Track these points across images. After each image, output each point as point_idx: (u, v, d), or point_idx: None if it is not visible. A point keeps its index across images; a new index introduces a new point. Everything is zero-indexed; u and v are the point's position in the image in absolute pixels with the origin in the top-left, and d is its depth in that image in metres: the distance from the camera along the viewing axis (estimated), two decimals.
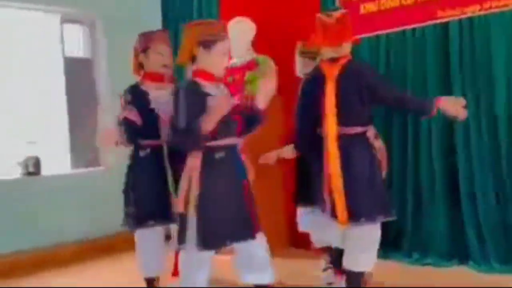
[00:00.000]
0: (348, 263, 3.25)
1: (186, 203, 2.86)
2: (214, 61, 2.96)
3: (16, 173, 5.23)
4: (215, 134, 2.86)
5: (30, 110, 5.44)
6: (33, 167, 5.26)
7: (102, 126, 5.63)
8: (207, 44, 2.91)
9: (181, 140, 2.86)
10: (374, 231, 3.19)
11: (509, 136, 3.94)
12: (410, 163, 4.43)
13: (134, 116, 3.42)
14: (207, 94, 2.88)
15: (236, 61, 4.82)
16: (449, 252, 4.20)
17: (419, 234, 4.39)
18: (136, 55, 3.56)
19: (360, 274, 3.26)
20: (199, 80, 2.93)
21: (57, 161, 5.63)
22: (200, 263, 2.95)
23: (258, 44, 4.84)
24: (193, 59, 2.97)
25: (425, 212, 4.36)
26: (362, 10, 4.55)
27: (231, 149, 2.98)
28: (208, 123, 2.77)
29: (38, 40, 5.52)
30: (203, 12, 5.73)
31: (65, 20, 5.69)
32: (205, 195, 2.84)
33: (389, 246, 4.19)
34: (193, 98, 2.83)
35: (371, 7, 4.49)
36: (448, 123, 4.03)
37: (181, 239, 2.93)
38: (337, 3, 4.68)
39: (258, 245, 3.04)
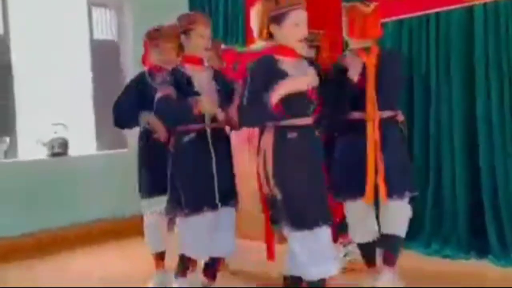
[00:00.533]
0: (388, 227, 3.32)
1: (267, 183, 2.82)
2: (286, 34, 2.80)
3: (43, 153, 5.35)
4: (289, 112, 2.76)
5: (57, 92, 5.54)
6: (59, 148, 5.37)
7: None
8: (277, 19, 2.78)
9: (250, 115, 2.74)
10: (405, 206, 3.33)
11: None
12: (432, 156, 4.35)
13: (173, 94, 3.21)
14: (281, 70, 2.77)
15: (257, 46, 4.77)
16: (469, 244, 4.10)
17: (438, 225, 4.31)
18: (178, 37, 3.38)
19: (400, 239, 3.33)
20: (277, 56, 2.82)
21: (83, 143, 5.74)
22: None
23: None
24: (270, 35, 2.84)
25: (446, 203, 4.28)
26: None
27: (306, 130, 2.83)
28: (276, 95, 2.66)
29: (66, 22, 5.60)
30: None
31: (92, 3, 5.73)
32: (282, 175, 2.76)
33: (408, 235, 4.09)
34: (266, 72, 2.74)
35: None
36: (469, 115, 3.91)
37: (277, 219, 2.89)
38: None
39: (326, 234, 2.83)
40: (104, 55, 5.86)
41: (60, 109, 5.57)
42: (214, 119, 3.20)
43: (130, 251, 4.91)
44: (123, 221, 5.50)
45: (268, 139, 2.79)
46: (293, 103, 2.73)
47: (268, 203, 2.94)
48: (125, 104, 3.79)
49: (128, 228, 5.24)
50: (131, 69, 5.83)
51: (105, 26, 5.90)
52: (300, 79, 2.75)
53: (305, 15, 2.81)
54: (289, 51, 2.81)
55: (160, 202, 3.51)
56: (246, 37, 5.42)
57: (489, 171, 4.02)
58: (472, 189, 4.13)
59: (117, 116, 3.81)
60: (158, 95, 3.15)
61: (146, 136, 3.78)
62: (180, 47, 3.35)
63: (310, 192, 2.77)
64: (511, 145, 3.92)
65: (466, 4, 4.03)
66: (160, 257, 3.86)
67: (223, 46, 5.08)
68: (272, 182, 2.77)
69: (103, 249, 5.05)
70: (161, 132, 3.58)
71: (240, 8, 5.53)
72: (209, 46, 3.34)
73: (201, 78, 3.26)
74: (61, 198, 5.25)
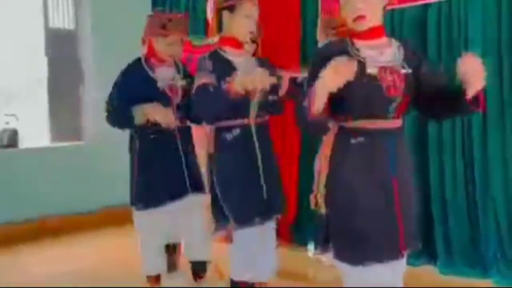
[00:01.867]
0: None
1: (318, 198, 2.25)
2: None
3: None
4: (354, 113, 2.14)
5: (9, 81, 5.37)
6: (9, 140, 5.20)
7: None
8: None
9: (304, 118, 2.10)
10: None
11: None
12: None
13: (213, 83, 2.75)
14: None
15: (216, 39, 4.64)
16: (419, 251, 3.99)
17: None
18: (219, 13, 2.96)
19: None
20: (354, 39, 2.20)
21: (36, 135, 5.58)
22: None
23: None
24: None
25: None
26: None
27: (379, 134, 2.15)
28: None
29: (20, 10, 5.42)
30: None
31: None
32: (337, 191, 2.17)
33: None
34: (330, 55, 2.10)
35: None
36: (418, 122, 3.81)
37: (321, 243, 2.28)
38: None
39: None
40: (60, 44, 5.68)
41: (13, 100, 5.40)
42: (259, 113, 2.80)
43: (76, 248, 4.82)
44: (76, 217, 5.35)
45: (326, 145, 2.22)
46: (361, 99, 2.12)
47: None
48: (123, 100, 3.28)
49: (77, 225, 5.16)
50: (89, 59, 5.73)
51: (62, 14, 5.71)
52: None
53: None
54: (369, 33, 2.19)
55: (158, 215, 3.30)
56: (206, 31, 5.28)
57: (439, 180, 3.92)
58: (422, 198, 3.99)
59: (116, 114, 3.36)
60: (196, 84, 2.72)
61: (142, 135, 3.35)
62: (218, 27, 2.99)
63: (368, 214, 2.13)
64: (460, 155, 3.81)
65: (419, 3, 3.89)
66: (156, 279, 3.50)
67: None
68: (322, 198, 2.22)
69: (49, 246, 4.90)
70: (163, 116, 3.17)
71: (200, 3, 5.39)
72: (254, 29, 2.84)
73: (245, 65, 2.79)
74: (10, 193, 5.04)
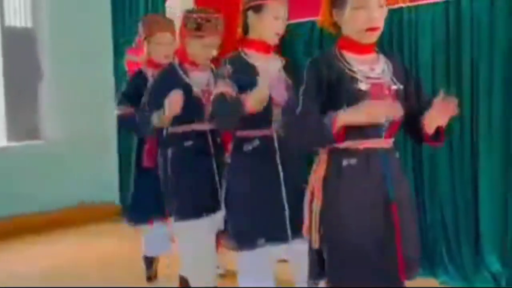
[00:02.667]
0: None
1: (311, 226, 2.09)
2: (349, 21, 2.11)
3: None
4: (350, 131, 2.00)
5: None
6: None
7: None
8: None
9: (300, 132, 2.01)
10: None
11: None
12: None
13: (232, 92, 2.53)
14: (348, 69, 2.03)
15: None
16: None
17: None
18: (244, 14, 2.67)
19: None
20: (344, 51, 2.08)
21: None
22: None
23: None
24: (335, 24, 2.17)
25: None
26: None
27: (371, 155, 2.04)
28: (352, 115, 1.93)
29: None
30: None
31: None
32: (330, 218, 2.03)
33: None
34: (321, 71, 2.01)
35: None
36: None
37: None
38: None
39: None
40: (17, 42, 5.60)
41: None
42: None
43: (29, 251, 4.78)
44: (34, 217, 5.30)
45: (320, 167, 2.08)
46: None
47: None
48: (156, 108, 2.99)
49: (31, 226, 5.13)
50: (47, 57, 5.67)
51: (19, 13, 5.63)
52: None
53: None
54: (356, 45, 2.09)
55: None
56: None
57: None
58: None
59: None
60: (213, 92, 2.54)
61: (170, 143, 3.09)
62: (244, 29, 2.67)
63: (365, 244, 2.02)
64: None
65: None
66: None
67: (138, 39, 4.96)
68: (315, 227, 2.07)
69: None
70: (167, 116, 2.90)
71: (161, 1, 5.38)
72: (282, 31, 2.62)
73: (268, 69, 2.55)
74: None
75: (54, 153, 5.55)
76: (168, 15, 4.90)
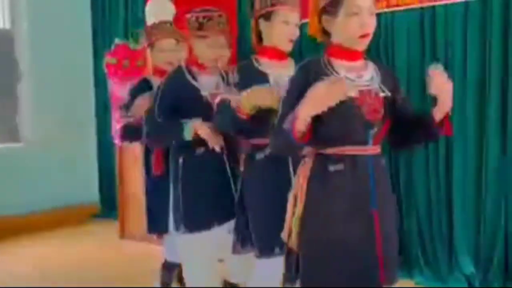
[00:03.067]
0: None
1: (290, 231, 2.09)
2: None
3: None
4: (334, 137, 2.02)
5: None
6: None
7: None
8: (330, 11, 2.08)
9: (278, 141, 2.03)
10: None
11: None
12: None
13: (236, 101, 2.49)
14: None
15: None
16: None
17: None
18: (256, 22, 2.60)
19: None
20: (333, 58, 2.08)
21: None
22: None
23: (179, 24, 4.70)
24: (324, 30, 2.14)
25: None
26: None
27: (358, 161, 2.03)
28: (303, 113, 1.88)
29: None
30: None
31: None
32: (314, 224, 2.02)
33: None
34: (307, 78, 2.00)
35: None
36: None
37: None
38: None
39: None
40: None
41: None
42: None
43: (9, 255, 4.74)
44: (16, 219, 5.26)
45: (303, 172, 2.08)
46: (340, 122, 1.99)
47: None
48: (166, 115, 2.86)
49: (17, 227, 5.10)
50: (26, 58, 5.64)
51: None
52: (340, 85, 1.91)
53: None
54: (346, 52, 2.09)
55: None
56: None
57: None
58: None
59: (160, 132, 2.90)
60: (216, 100, 2.52)
61: (181, 150, 2.93)
62: (259, 35, 2.60)
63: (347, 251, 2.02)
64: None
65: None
66: None
67: (117, 41, 4.97)
68: (295, 231, 2.07)
69: None
70: (213, 140, 2.73)
71: (140, 4, 5.37)
72: (295, 37, 2.54)
73: (281, 77, 2.46)
74: None
75: (33, 155, 5.52)
76: (147, 18, 4.91)
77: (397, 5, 3.82)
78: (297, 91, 1.97)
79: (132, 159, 4.59)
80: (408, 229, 3.88)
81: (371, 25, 2.00)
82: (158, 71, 3.24)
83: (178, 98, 2.81)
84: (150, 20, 4.77)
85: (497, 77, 3.49)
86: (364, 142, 2.02)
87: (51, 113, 5.64)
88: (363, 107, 1.98)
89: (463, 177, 3.67)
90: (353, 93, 1.95)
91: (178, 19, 3.51)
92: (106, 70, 4.85)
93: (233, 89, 2.47)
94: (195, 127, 2.71)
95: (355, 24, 1.97)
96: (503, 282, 3.49)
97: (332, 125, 1.96)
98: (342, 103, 1.91)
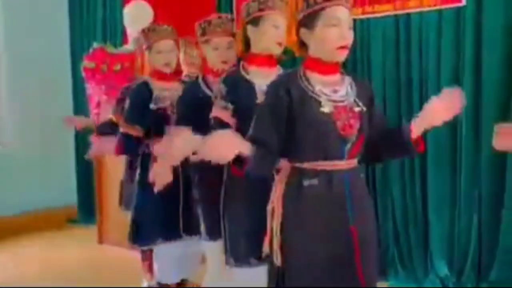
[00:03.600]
0: None
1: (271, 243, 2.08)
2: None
3: None
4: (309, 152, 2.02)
5: None
6: None
7: None
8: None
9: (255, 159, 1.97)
10: None
11: None
12: None
13: (227, 117, 2.44)
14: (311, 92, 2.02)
15: (130, 46, 4.66)
16: None
17: None
18: (243, 29, 2.55)
19: None
20: (309, 71, 2.08)
21: None
22: None
23: None
24: (301, 43, 2.12)
25: None
26: None
27: (333, 176, 2.03)
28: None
29: None
30: None
31: None
32: (289, 237, 2.02)
33: None
34: (280, 95, 2.01)
35: None
36: None
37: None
38: None
39: None
40: None
41: None
42: None
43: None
44: None
45: (278, 188, 2.07)
46: (317, 138, 2.00)
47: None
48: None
49: None
50: (3, 63, 5.62)
51: None
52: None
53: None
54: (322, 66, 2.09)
55: None
56: (124, 38, 5.26)
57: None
58: None
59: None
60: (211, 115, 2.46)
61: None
62: (244, 44, 2.55)
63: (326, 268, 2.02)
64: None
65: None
66: None
67: (95, 45, 4.95)
68: (276, 244, 2.05)
69: None
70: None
71: (118, 8, 5.36)
72: (284, 41, 2.45)
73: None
74: None
75: (11, 158, 5.49)
76: (125, 22, 4.92)
77: (373, 12, 3.88)
78: (271, 110, 2.00)
79: (111, 164, 4.59)
80: (385, 232, 3.94)
81: (349, 37, 2.01)
82: (156, 73, 3.19)
83: (194, 114, 2.69)
84: (129, 25, 4.83)
85: (470, 84, 3.55)
86: (339, 157, 2.01)
87: (29, 116, 5.62)
88: (338, 122, 1.99)
89: (437, 183, 3.73)
90: (327, 109, 1.97)
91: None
92: (83, 74, 4.84)
93: (222, 102, 2.42)
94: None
95: (334, 35, 1.97)
96: (476, 284, 3.56)
97: (307, 140, 1.98)
98: (316, 118, 1.95)
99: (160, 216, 3.07)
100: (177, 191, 3.04)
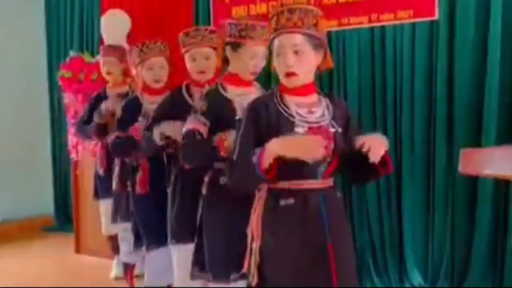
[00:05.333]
0: None
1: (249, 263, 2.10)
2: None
3: None
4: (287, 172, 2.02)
5: None
6: None
7: None
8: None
9: (239, 174, 2.04)
10: None
11: None
12: None
13: (204, 131, 2.51)
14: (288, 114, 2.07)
15: None
16: None
17: None
18: (224, 47, 2.60)
19: None
20: (285, 93, 2.12)
21: None
22: None
23: (134, 38, 4.70)
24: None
25: None
26: None
27: (308, 195, 2.07)
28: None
29: None
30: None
31: None
32: (268, 257, 2.04)
33: None
34: (258, 115, 2.07)
35: None
36: None
37: None
38: None
39: None
40: None
41: None
42: None
43: None
44: None
45: (257, 207, 2.10)
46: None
47: None
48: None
49: None
50: None
51: None
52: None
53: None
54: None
55: None
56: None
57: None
58: None
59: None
60: (185, 127, 2.51)
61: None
62: (225, 61, 2.62)
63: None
64: None
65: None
66: None
67: (72, 54, 4.94)
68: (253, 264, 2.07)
69: None
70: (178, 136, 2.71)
71: (95, 17, 5.35)
72: (258, 69, 2.56)
73: (247, 100, 2.35)
74: None
75: None
76: (102, 31, 4.91)
77: (348, 24, 3.94)
78: (252, 130, 2.03)
79: (88, 171, 4.56)
80: (360, 241, 3.97)
81: (295, 64, 2.02)
82: (147, 88, 3.30)
83: (172, 113, 2.83)
84: (106, 34, 4.82)
85: (443, 95, 3.63)
86: (314, 177, 2.05)
87: (4, 124, 5.59)
88: (311, 136, 2.00)
89: (412, 196, 3.79)
90: (301, 130, 2.00)
91: None
92: (60, 83, 4.81)
93: (199, 116, 2.47)
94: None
95: (279, 64, 2.05)
96: None
97: (282, 160, 1.97)
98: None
99: (154, 223, 3.16)
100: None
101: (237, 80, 2.56)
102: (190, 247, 2.66)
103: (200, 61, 2.94)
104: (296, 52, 2.02)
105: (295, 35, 2.02)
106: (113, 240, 4.00)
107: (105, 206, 3.98)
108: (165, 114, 2.86)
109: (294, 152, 1.91)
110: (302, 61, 2.03)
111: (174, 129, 2.74)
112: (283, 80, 2.08)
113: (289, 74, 2.04)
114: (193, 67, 2.96)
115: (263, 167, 1.92)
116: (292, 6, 2.05)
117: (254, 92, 2.55)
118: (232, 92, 2.53)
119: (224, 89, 2.54)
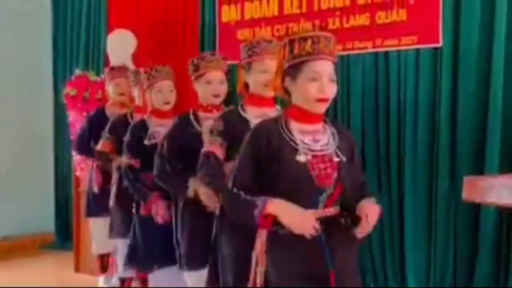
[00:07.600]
0: None
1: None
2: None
3: None
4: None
5: None
6: None
7: None
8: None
9: (238, 212, 2.09)
10: None
11: None
12: None
13: (221, 153, 2.57)
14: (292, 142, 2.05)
15: None
16: None
17: None
18: (240, 71, 2.74)
19: None
20: (291, 119, 2.10)
21: None
22: None
23: (139, 59, 4.74)
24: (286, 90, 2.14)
25: None
26: None
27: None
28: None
29: None
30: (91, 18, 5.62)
31: None
32: (272, 284, 2.04)
33: None
34: (260, 142, 2.06)
35: None
36: None
37: None
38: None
39: None
40: None
41: None
42: None
43: None
44: None
45: (260, 237, 2.08)
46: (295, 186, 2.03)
47: None
48: (172, 166, 2.98)
49: None
50: None
51: None
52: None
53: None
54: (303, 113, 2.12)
55: None
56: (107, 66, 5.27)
57: None
58: None
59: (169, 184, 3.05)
60: (202, 150, 2.57)
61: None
62: (243, 85, 2.70)
63: None
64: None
65: None
66: None
67: (77, 72, 4.96)
68: None
69: None
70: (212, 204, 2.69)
71: (102, 36, 5.39)
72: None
73: None
74: None
75: None
76: (108, 50, 4.96)
77: (352, 49, 3.97)
78: (252, 157, 2.04)
79: None
80: (361, 263, 3.94)
81: (329, 91, 2.02)
82: (155, 111, 3.37)
83: (184, 151, 2.91)
84: (112, 53, 4.87)
85: (447, 119, 3.65)
86: (313, 206, 2.02)
87: (6, 139, 5.61)
88: (313, 172, 2.00)
89: (414, 211, 3.79)
90: (303, 158, 1.99)
91: None
92: (65, 101, 4.83)
93: (214, 138, 2.54)
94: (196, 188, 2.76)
95: (313, 88, 2.00)
96: None
97: (282, 188, 1.99)
98: (291, 166, 1.99)
99: (157, 244, 3.22)
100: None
101: (257, 100, 2.63)
102: (203, 271, 2.74)
103: (215, 84, 2.98)
104: (331, 81, 2.03)
105: (330, 64, 2.04)
106: (103, 259, 4.08)
107: (96, 224, 4.02)
108: (177, 149, 2.93)
109: (287, 223, 1.95)
110: (334, 90, 2.05)
111: (208, 196, 2.67)
112: (310, 104, 2.04)
113: (324, 100, 2.03)
114: (208, 90, 2.97)
115: (262, 223, 1.97)
116: (328, 34, 2.06)
117: (273, 114, 2.52)
118: (252, 113, 2.59)
119: (244, 110, 2.62)
